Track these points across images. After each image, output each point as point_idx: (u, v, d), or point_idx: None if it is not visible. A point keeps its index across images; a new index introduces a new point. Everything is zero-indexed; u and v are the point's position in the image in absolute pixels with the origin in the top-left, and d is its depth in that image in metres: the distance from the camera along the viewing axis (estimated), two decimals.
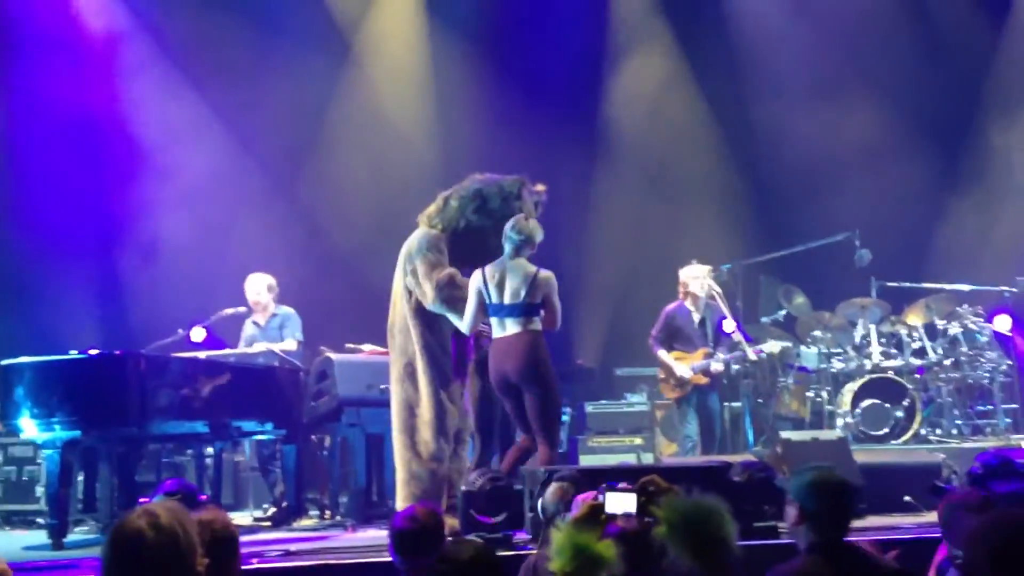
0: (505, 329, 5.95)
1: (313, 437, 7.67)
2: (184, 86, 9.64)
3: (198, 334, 7.73)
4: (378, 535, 5.68)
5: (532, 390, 5.94)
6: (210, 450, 7.50)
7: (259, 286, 8.00)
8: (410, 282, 6.17)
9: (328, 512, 7.26)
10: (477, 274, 6.00)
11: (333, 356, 7.16)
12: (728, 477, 5.55)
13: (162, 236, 9.26)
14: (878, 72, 10.65)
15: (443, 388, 6.14)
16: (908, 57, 10.60)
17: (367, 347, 7.71)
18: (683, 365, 8.08)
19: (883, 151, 10.46)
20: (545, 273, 5.98)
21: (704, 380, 8.10)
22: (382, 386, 6.90)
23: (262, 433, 7.24)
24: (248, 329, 8.04)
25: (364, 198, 9.88)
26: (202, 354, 7.32)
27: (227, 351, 7.72)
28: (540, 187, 6.43)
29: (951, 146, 10.65)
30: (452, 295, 6.07)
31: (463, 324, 6.10)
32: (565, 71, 10.49)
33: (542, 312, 5.97)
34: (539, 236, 6.09)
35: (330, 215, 10.00)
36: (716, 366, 8.14)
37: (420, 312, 6.17)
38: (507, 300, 5.92)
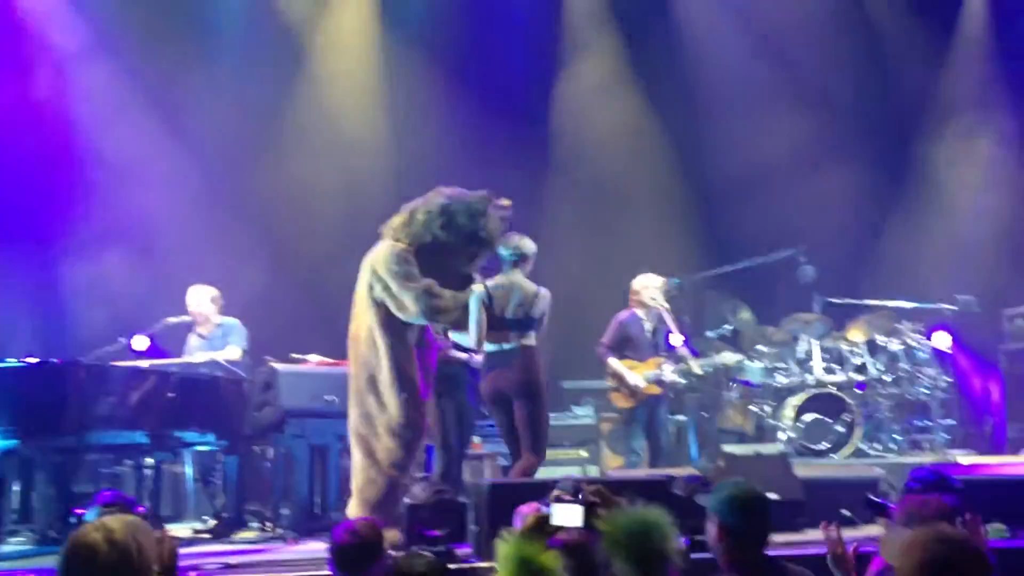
0: (505, 343, 6.25)
1: (255, 448, 7.58)
2: (132, 91, 9.51)
3: (140, 343, 7.61)
4: (319, 548, 5.61)
5: (527, 402, 6.25)
6: (150, 460, 7.39)
7: (200, 298, 7.90)
8: (382, 295, 6.10)
9: (269, 524, 7.16)
10: (479, 288, 6.26)
11: (278, 366, 7.08)
12: (670, 490, 5.57)
13: (106, 243, 9.11)
14: (824, 88, 10.83)
15: (411, 400, 6.09)
16: (855, 74, 10.82)
17: (313, 357, 7.65)
18: (635, 374, 8.06)
19: (829, 167, 10.61)
20: (545, 291, 6.40)
21: (657, 390, 8.08)
22: (326, 396, 6.87)
23: (203, 444, 7.14)
24: (192, 342, 7.93)
25: (316, 206, 9.83)
26: (144, 363, 7.21)
27: (169, 360, 7.60)
28: (505, 202, 6.45)
29: (897, 164, 10.87)
30: (433, 305, 6.05)
31: (471, 337, 6.26)
32: (517, 79, 10.56)
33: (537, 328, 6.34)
34: (531, 249, 6.49)
35: (281, 223, 9.91)
36: (670, 376, 8.15)
37: (389, 324, 6.09)
38: (509, 315, 6.26)
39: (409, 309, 6.03)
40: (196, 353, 7.75)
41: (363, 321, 6.17)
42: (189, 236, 9.28)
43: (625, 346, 8.11)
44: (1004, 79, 10.88)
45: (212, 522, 7.25)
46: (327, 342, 8.16)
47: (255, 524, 7.33)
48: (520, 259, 6.43)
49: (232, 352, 7.70)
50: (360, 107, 10.42)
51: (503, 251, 6.39)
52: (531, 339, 6.31)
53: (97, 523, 2.44)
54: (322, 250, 9.50)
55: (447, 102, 10.31)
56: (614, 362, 8.09)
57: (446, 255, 6.23)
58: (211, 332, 7.88)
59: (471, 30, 10.48)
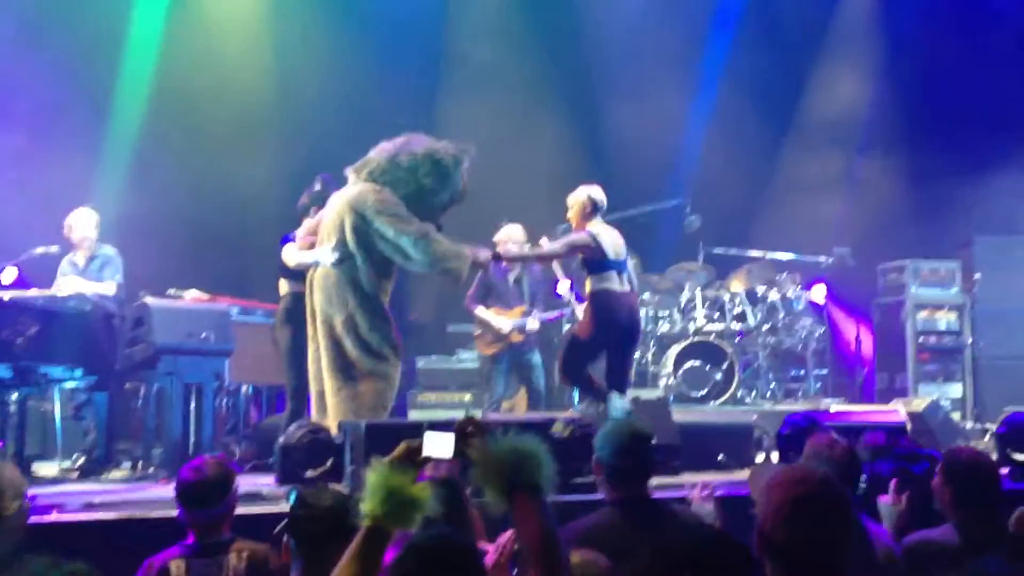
0: (622, 284, 6.56)
1: (127, 385, 7.33)
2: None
3: (8, 274, 7.25)
4: None
5: (630, 342, 6.72)
6: (14, 396, 7.07)
7: (89, 222, 7.49)
8: (370, 238, 5.96)
9: (140, 463, 6.96)
10: (585, 234, 6.54)
11: (150, 301, 6.82)
12: (549, 433, 5.56)
13: None
14: (717, 49, 10.90)
15: (390, 338, 6.06)
16: (745, 37, 10.89)
17: (191, 293, 7.43)
18: (503, 318, 8.12)
19: (715, 119, 10.72)
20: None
21: (519, 338, 8.15)
22: (203, 334, 6.68)
23: (71, 380, 6.87)
24: (65, 268, 7.59)
25: (203, 140, 9.46)
26: (6, 295, 6.87)
27: (35, 291, 7.26)
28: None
29: (781, 117, 11.05)
30: (434, 250, 5.97)
31: (554, 250, 6.78)
32: (408, 7, 10.29)
33: None
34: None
35: (161, 156, 9.50)
36: (532, 324, 8.18)
37: (370, 267, 6.00)
38: (613, 257, 6.52)
39: (410, 255, 5.92)
40: (69, 277, 7.42)
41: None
42: (56, 164, 8.84)
43: (489, 294, 8.17)
44: (885, 27, 11.14)
45: (81, 460, 7.00)
46: (207, 278, 7.96)
47: (127, 463, 7.12)
48: (603, 208, 6.70)
49: (107, 287, 7.37)
50: (244, 36, 10.05)
51: (600, 199, 6.62)
52: (627, 282, 6.61)
53: None
54: (208, 186, 9.23)
55: (333, 33, 10.01)
56: (480, 310, 8.17)
57: (425, 204, 6.09)
58: (87, 262, 7.53)
59: None
